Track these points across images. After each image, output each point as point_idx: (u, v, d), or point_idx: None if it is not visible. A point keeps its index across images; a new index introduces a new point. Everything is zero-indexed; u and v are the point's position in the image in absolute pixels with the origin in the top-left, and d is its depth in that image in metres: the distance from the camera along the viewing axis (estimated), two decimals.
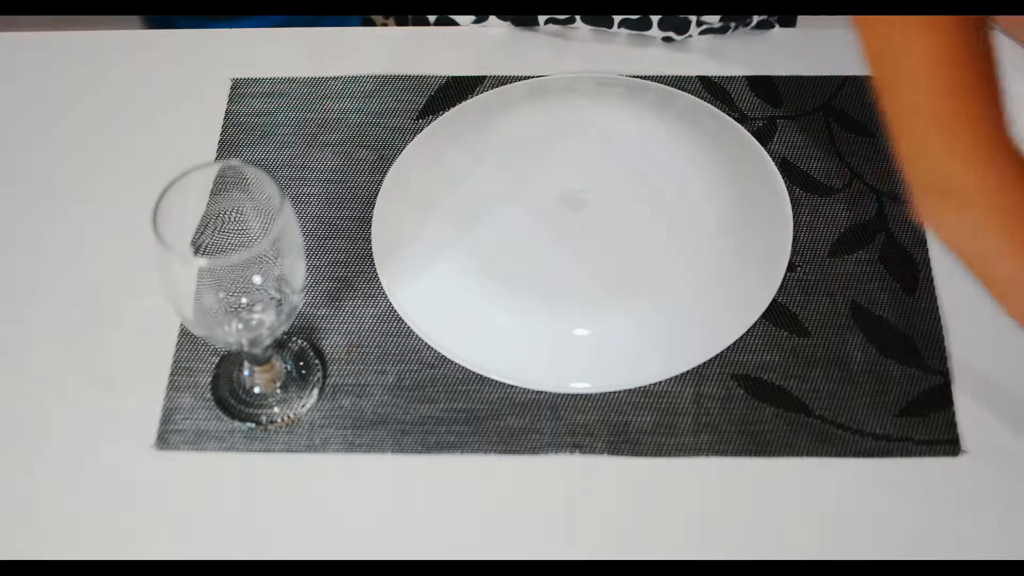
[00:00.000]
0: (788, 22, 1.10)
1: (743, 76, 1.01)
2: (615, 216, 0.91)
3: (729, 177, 0.93)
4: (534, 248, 0.90)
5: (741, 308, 0.88)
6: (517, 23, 1.04)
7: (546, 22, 1.04)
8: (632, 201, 0.92)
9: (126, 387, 0.86)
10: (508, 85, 1.01)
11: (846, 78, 1.01)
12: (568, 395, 0.84)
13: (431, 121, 1.00)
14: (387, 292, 0.89)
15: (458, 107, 1.00)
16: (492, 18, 1.05)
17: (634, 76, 1.02)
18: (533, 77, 1.02)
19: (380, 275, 0.90)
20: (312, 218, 0.94)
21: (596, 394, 0.84)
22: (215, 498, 0.81)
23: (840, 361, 0.85)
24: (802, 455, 0.82)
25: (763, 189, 0.94)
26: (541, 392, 0.85)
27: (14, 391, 0.86)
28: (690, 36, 1.03)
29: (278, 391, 0.85)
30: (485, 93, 1.01)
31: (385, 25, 1.10)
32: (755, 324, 0.87)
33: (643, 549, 0.78)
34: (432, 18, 1.06)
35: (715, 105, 1.00)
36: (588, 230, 0.91)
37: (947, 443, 0.82)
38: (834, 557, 0.77)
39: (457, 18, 1.06)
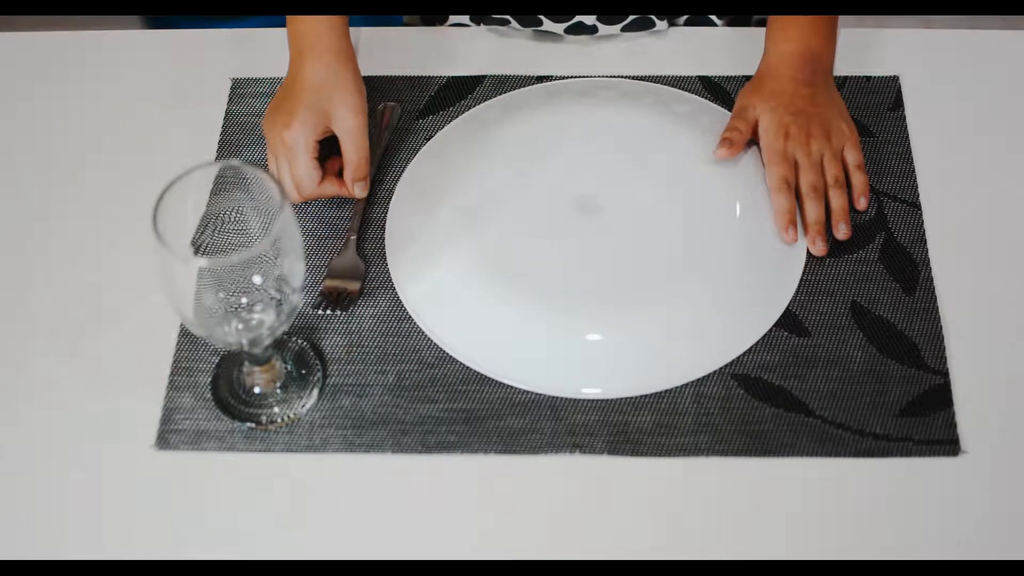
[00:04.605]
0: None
1: (743, 76, 1.01)
2: (630, 221, 0.91)
3: (744, 182, 0.93)
4: (551, 253, 0.90)
5: (755, 313, 0.87)
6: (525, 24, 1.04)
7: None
8: (647, 206, 0.92)
9: (126, 387, 0.86)
10: (524, 88, 1.01)
11: (846, 78, 1.01)
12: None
13: (432, 121, 1.00)
14: (400, 295, 0.89)
15: (473, 111, 1.00)
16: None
17: (634, 77, 1.02)
18: (533, 77, 1.02)
19: (393, 277, 0.90)
20: (312, 218, 0.94)
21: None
22: (215, 498, 0.81)
23: (840, 361, 0.85)
24: (802, 455, 0.82)
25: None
26: (541, 392, 0.85)
27: (14, 391, 0.86)
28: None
29: (278, 391, 0.85)
30: (500, 96, 1.00)
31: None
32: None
33: (643, 549, 0.78)
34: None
35: (715, 105, 1.00)
36: (603, 235, 0.91)
37: (947, 443, 0.82)
38: (834, 557, 0.78)
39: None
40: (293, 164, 0.89)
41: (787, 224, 0.90)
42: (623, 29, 1.04)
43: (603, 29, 1.03)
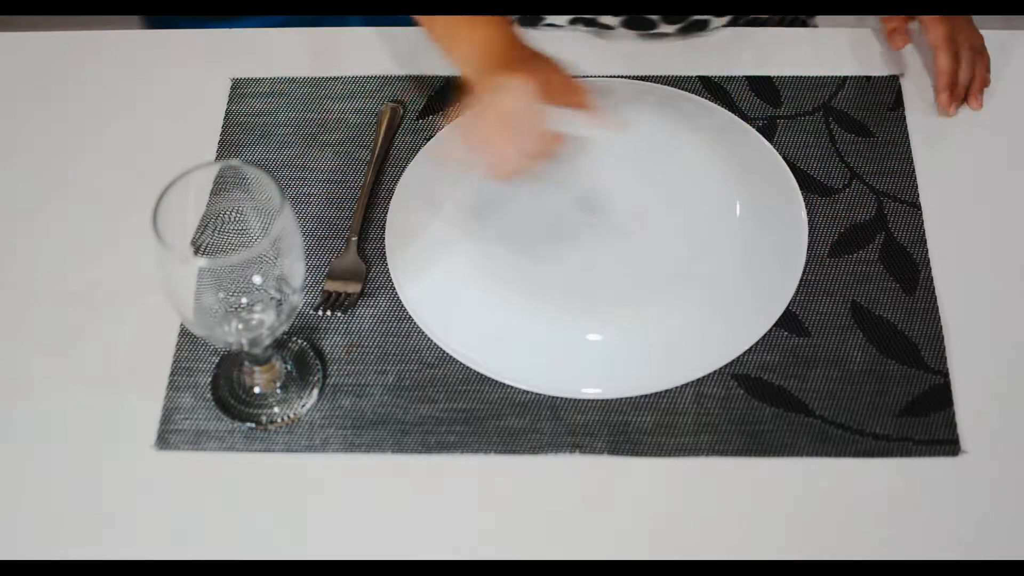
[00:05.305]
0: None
1: (743, 76, 1.01)
2: (630, 221, 0.91)
3: (744, 182, 0.93)
4: (551, 254, 0.90)
5: (755, 313, 0.87)
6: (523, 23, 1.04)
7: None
8: (647, 206, 0.92)
9: (126, 387, 0.86)
10: None
11: (846, 78, 1.01)
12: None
13: (432, 121, 1.00)
14: (400, 295, 0.89)
15: None
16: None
17: (634, 77, 1.02)
18: None
19: (393, 277, 0.90)
20: (312, 218, 0.94)
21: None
22: (215, 498, 0.81)
23: (840, 361, 0.85)
24: (802, 455, 0.82)
25: (778, 197, 0.93)
26: (541, 392, 0.85)
27: (14, 391, 0.86)
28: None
29: (278, 391, 0.85)
30: None
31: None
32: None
33: (643, 549, 0.78)
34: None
35: (716, 105, 0.99)
36: (603, 235, 0.91)
37: (947, 443, 0.82)
38: (834, 557, 0.78)
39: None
40: (540, 119, 0.79)
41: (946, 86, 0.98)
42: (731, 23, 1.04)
43: (715, 22, 1.03)
